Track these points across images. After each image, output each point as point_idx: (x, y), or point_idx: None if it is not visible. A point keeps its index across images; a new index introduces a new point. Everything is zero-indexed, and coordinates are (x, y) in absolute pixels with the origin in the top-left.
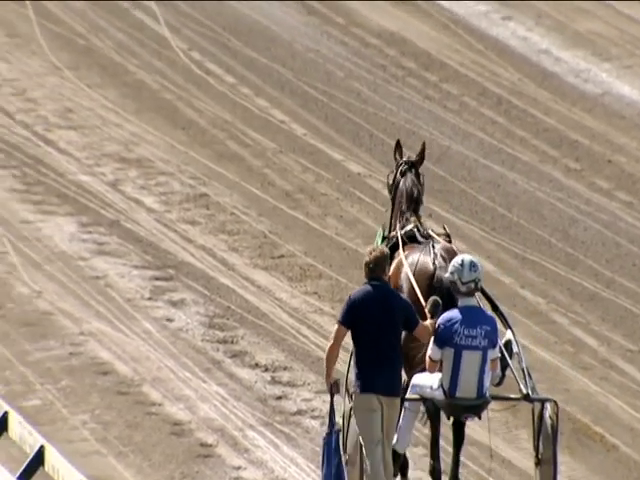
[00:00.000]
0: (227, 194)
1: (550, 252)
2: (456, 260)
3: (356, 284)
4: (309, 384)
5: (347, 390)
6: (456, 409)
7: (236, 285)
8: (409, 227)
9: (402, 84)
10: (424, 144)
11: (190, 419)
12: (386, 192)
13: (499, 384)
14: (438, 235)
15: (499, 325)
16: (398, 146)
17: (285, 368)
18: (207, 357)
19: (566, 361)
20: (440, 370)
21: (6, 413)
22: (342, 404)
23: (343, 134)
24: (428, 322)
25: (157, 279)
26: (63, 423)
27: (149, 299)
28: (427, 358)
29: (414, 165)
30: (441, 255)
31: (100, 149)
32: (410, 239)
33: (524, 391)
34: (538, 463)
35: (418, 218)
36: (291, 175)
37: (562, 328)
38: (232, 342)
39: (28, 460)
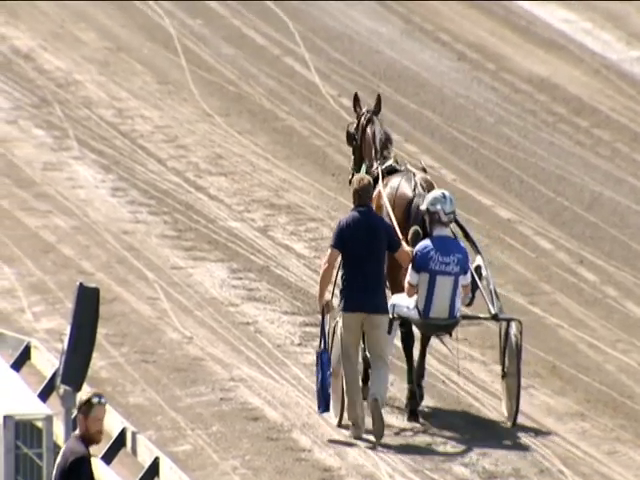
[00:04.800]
0: None
1: None
2: (437, 193)
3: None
4: (458, 431)
5: (326, 308)
6: (429, 328)
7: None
8: (389, 162)
9: (553, 130)
10: (379, 96)
11: (340, 465)
12: None
13: (469, 304)
14: (416, 170)
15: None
16: (357, 99)
17: (434, 415)
18: None
19: None
20: (415, 294)
21: (157, 458)
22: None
23: (493, 180)
24: (407, 249)
25: (307, 325)
26: (213, 468)
27: (299, 345)
28: (406, 284)
29: (375, 114)
30: (421, 184)
31: (250, 195)
32: (390, 173)
33: (492, 311)
34: (504, 376)
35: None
36: None
37: None
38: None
39: None
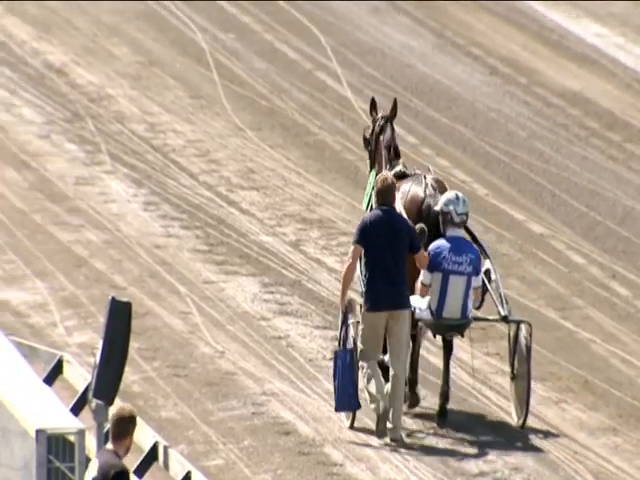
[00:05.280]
0: None
1: None
2: (451, 194)
3: (538, 345)
4: (490, 446)
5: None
6: (442, 328)
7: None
8: (398, 168)
9: (585, 144)
10: (395, 100)
11: None
12: None
13: (479, 307)
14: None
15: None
16: (373, 103)
17: (466, 429)
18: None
19: None
20: (427, 294)
21: (189, 473)
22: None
23: (525, 194)
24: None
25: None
26: None
27: (330, 359)
28: (419, 283)
29: (390, 120)
30: (431, 185)
31: (282, 209)
32: (399, 178)
33: (502, 313)
34: (513, 378)
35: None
36: None
37: None
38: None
39: None
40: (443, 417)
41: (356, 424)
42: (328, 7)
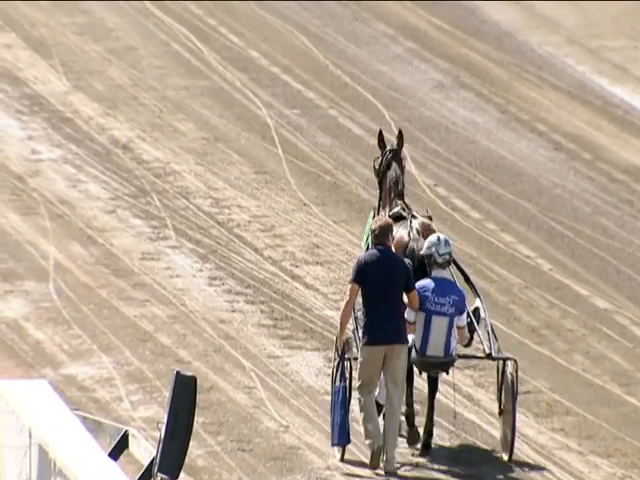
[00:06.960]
0: None
1: None
2: (433, 237)
3: (603, 421)
4: None
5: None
6: (426, 365)
7: (482, 421)
8: (396, 209)
9: None
10: (400, 131)
11: None
12: None
13: (467, 345)
14: (421, 217)
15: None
16: (381, 136)
17: None
18: None
19: None
20: (413, 332)
21: None
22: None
23: (589, 270)
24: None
25: (403, 414)
26: None
27: None
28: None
29: (397, 152)
30: (416, 229)
31: (346, 284)
32: (397, 219)
33: (487, 351)
34: (501, 412)
35: (404, 201)
36: (537, 311)
37: None
38: (479, 477)
39: None
40: (428, 450)
41: (351, 457)
42: (392, 83)
